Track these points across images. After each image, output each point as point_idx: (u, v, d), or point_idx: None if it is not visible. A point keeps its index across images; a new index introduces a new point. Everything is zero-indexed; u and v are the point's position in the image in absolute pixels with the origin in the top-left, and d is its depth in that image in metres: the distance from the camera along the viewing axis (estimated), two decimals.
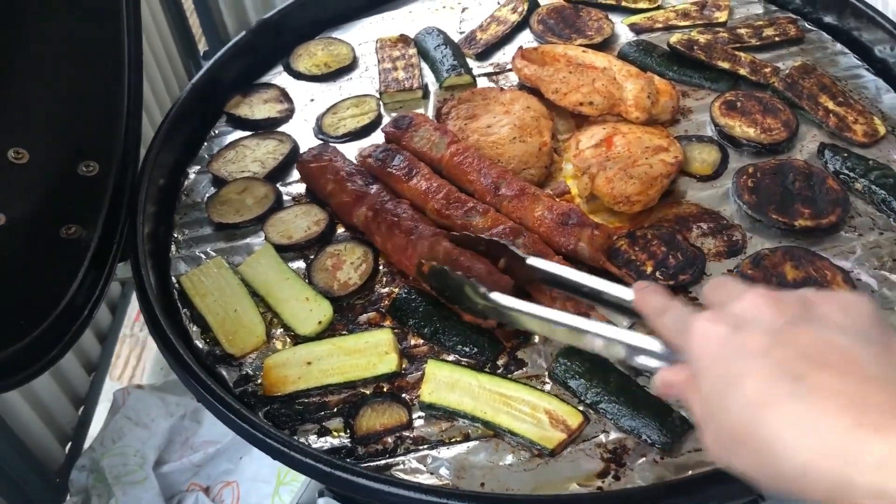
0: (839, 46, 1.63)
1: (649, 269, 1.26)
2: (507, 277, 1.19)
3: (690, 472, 1.06)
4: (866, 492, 0.57)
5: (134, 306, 3.70)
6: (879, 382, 0.61)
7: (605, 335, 0.88)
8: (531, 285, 1.20)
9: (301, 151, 1.52)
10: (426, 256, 1.24)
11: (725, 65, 1.56)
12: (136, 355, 3.72)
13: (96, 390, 2.78)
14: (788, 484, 0.62)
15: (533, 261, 1.11)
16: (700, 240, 1.31)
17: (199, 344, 1.27)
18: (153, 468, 2.51)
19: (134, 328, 3.78)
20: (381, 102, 1.62)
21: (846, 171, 1.36)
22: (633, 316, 0.92)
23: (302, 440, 1.14)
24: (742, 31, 1.66)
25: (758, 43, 1.63)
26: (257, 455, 2.63)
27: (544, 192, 1.36)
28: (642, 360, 0.86)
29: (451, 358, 1.21)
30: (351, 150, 1.53)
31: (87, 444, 2.60)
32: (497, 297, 1.04)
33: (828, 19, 1.68)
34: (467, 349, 1.21)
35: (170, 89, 3.04)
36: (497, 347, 1.21)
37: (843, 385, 0.61)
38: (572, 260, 1.26)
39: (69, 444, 2.60)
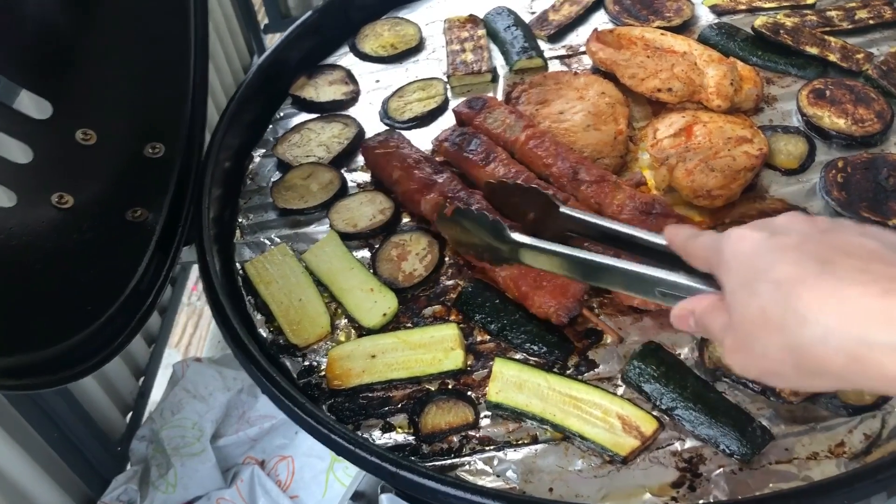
0: None
1: None
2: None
3: (771, 485, 1.00)
4: (887, 347, 0.59)
5: (192, 277, 3.76)
6: None
7: (629, 269, 0.89)
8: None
9: (366, 136, 1.49)
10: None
11: (814, 50, 1.47)
12: (192, 324, 3.79)
13: (156, 361, 2.83)
14: (807, 358, 0.64)
15: (567, 209, 1.07)
16: None
17: (263, 333, 1.25)
18: (210, 441, 2.55)
19: (191, 297, 3.85)
20: (448, 86, 1.57)
21: None
22: (668, 261, 0.90)
23: (366, 435, 1.12)
24: (832, 13, 1.56)
25: (849, 26, 1.53)
26: None
27: (625, 181, 1.31)
28: (663, 292, 0.86)
29: (518, 356, 1.18)
30: (417, 136, 1.50)
31: (146, 415, 2.66)
32: (518, 236, 1.02)
33: None
34: (536, 348, 1.17)
35: (231, 63, 3.04)
36: (567, 347, 1.17)
37: (870, 268, 0.64)
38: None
39: (130, 413, 2.66)
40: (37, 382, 1.08)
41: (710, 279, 0.81)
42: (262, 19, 3.39)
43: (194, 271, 3.35)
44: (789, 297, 0.65)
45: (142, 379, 2.76)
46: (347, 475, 2.44)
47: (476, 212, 1.10)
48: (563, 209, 1.06)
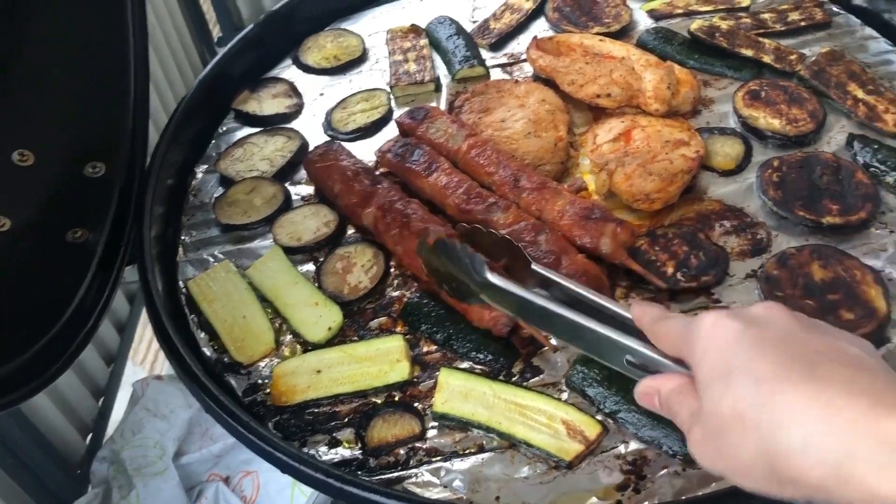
0: (868, 31, 1.56)
1: (670, 270, 1.21)
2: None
3: (714, 485, 1.02)
4: (875, 464, 0.56)
5: None
6: (892, 383, 0.61)
7: (604, 332, 0.86)
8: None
9: (308, 150, 1.48)
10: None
11: (749, 52, 1.50)
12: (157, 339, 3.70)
13: (116, 381, 2.79)
14: (782, 466, 0.61)
15: (537, 267, 1.06)
16: (723, 238, 1.26)
17: (207, 351, 1.24)
18: (173, 459, 2.52)
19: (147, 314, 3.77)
20: (391, 96, 1.57)
21: (876, 164, 1.30)
22: (633, 334, 0.87)
23: (312, 452, 1.11)
24: (766, 15, 1.59)
25: (782, 28, 1.56)
26: None
27: (566, 187, 1.32)
28: (630, 362, 0.84)
29: (464, 365, 1.18)
30: (361, 147, 1.50)
31: (107, 435, 2.62)
32: (495, 278, 1.00)
33: (857, 1, 1.61)
34: (481, 356, 1.18)
35: (184, 76, 3.02)
36: (512, 354, 1.18)
37: (857, 377, 0.61)
38: (593, 257, 1.22)
39: (90, 435, 2.61)
40: None
41: (679, 361, 0.79)
42: (219, 33, 3.37)
43: None
44: (769, 397, 0.62)
45: (101, 399, 2.72)
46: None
47: (458, 246, 1.08)
48: (534, 266, 1.05)
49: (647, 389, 0.79)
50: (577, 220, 1.23)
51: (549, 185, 1.28)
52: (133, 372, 2.81)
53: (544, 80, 1.51)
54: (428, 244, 1.15)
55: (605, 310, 0.93)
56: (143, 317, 3.11)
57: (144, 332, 3.67)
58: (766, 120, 1.39)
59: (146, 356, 3.61)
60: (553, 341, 1.18)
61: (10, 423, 2.11)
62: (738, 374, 0.65)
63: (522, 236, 1.21)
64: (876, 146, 1.32)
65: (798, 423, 0.60)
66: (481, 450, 1.08)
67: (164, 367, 3.08)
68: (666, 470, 1.04)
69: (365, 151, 1.47)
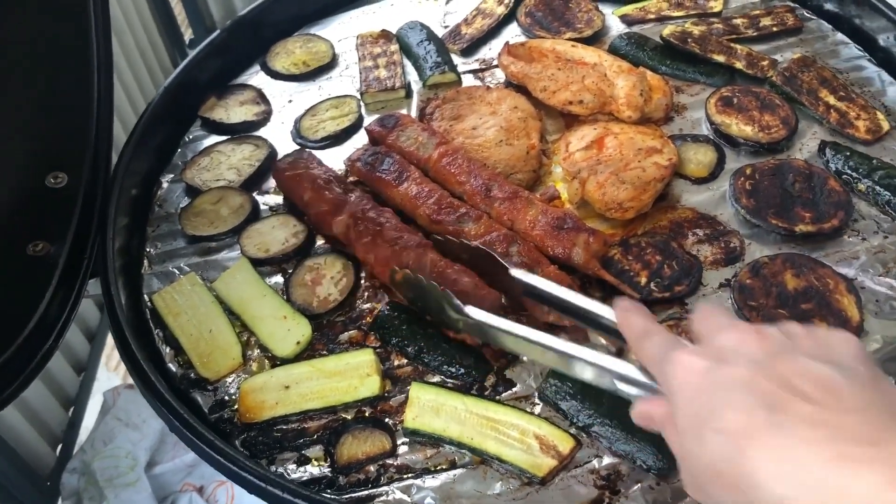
0: (840, 36, 1.55)
1: (643, 280, 1.20)
2: (495, 292, 1.14)
3: (688, 499, 1.01)
4: None
5: None
6: (859, 414, 0.61)
7: (589, 360, 0.86)
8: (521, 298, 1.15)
9: (277, 158, 1.45)
10: (412, 268, 1.18)
11: (721, 58, 1.49)
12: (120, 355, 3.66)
13: (86, 390, 2.74)
14: None
15: (516, 272, 1.05)
16: (696, 247, 1.25)
17: (173, 367, 1.21)
18: (145, 469, 2.48)
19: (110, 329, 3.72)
20: (362, 103, 1.55)
21: (848, 171, 1.30)
22: (617, 336, 0.87)
23: (280, 470, 1.08)
24: (738, 21, 1.59)
25: (754, 34, 1.56)
26: None
27: (538, 195, 1.30)
28: (625, 388, 0.83)
29: (436, 379, 1.16)
30: (331, 155, 1.47)
31: (77, 446, 2.57)
32: (472, 311, 1.00)
33: (828, 6, 1.61)
34: (453, 370, 1.16)
35: (155, 79, 2.97)
36: (485, 367, 1.16)
37: (823, 416, 0.61)
38: (566, 268, 1.21)
39: (59, 446, 2.56)
40: None
41: None
42: (190, 35, 3.32)
43: None
44: (739, 454, 0.62)
45: (71, 409, 2.67)
46: None
47: (426, 283, 1.07)
48: (513, 272, 1.05)
49: (642, 414, 0.80)
50: (548, 231, 1.21)
51: (520, 195, 1.27)
52: (107, 378, 2.76)
53: (516, 86, 1.49)
54: (397, 279, 1.14)
55: (588, 313, 0.92)
56: None
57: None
58: (739, 127, 1.38)
59: (120, 364, 3.55)
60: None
61: None
62: (709, 430, 0.65)
63: (494, 247, 1.19)
64: (848, 153, 1.32)
65: (772, 484, 0.60)
66: (453, 466, 1.07)
67: None
68: (640, 484, 1.03)
69: (335, 159, 1.45)
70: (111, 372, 2.83)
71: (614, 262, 1.22)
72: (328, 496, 1.03)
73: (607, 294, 1.20)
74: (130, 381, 2.80)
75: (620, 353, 0.98)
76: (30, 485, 2.31)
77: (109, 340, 2.96)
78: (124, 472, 2.47)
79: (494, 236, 1.20)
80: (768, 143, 1.36)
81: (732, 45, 1.52)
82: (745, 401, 0.64)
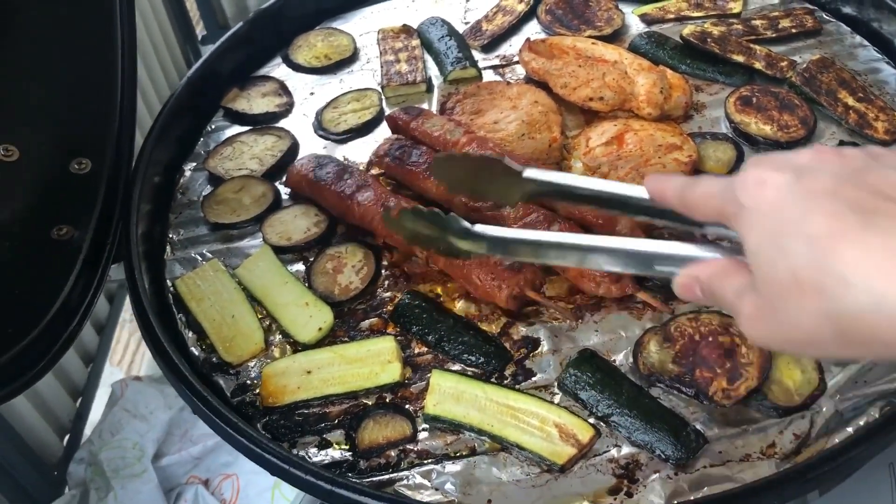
0: (858, 39, 1.57)
1: None
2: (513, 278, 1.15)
3: (706, 489, 1.01)
4: None
5: None
6: None
7: (615, 247, 0.82)
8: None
9: (296, 159, 1.47)
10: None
11: (740, 58, 1.50)
12: (135, 339, 3.69)
13: (94, 381, 2.76)
14: (853, 327, 0.57)
15: (530, 172, 1.00)
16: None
17: (195, 351, 1.22)
18: (152, 461, 2.49)
19: (132, 314, 3.74)
20: (383, 97, 1.56)
21: None
22: (653, 215, 0.84)
23: (302, 453, 1.10)
24: (757, 22, 1.60)
25: (773, 35, 1.57)
26: None
27: None
28: (661, 268, 0.80)
29: (456, 367, 1.17)
30: (352, 148, 1.49)
31: (85, 436, 2.59)
32: (481, 228, 0.97)
33: (846, 10, 1.62)
34: (473, 358, 1.17)
35: (167, 75, 2.99)
36: (504, 357, 1.17)
37: None
38: None
39: (67, 436, 2.58)
40: None
41: (713, 244, 0.74)
42: (201, 30, 3.35)
43: None
44: (827, 256, 0.57)
45: (79, 400, 2.68)
46: (293, 491, 2.40)
47: (427, 211, 1.03)
48: (526, 173, 0.99)
49: (686, 280, 0.74)
50: None
51: None
52: (111, 373, 2.77)
53: (536, 82, 1.51)
54: (393, 217, 1.10)
55: (619, 197, 0.88)
56: (122, 317, 3.08)
57: (122, 332, 3.63)
58: (758, 126, 1.39)
59: (123, 357, 3.57)
60: (545, 344, 1.18)
61: None
62: (792, 235, 0.60)
63: (536, 228, 1.20)
64: None
65: (865, 281, 0.55)
66: (473, 452, 1.08)
67: (143, 368, 3.04)
68: (658, 474, 1.04)
69: (356, 152, 1.46)
70: (115, 367, 2.85)
71: None
72: (350, 479, 1.04)
73: (637, 279, 1.20)
74: (135, 374, 2.81)
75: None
76: (37, 474, 2.33)
77: (117, 334, 2.98)
78: (131, 463, 2.48)
79: (534, 217, 1.21)
80: (787, 142, 1.37)
81: (752, 45, 1.53)
82: (834, 206, 0.59)
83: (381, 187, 1.32)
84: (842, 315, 0.57)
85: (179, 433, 2.64)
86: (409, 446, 1.09)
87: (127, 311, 3.54)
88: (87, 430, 2.56)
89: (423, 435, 1.10)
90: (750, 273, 0.66)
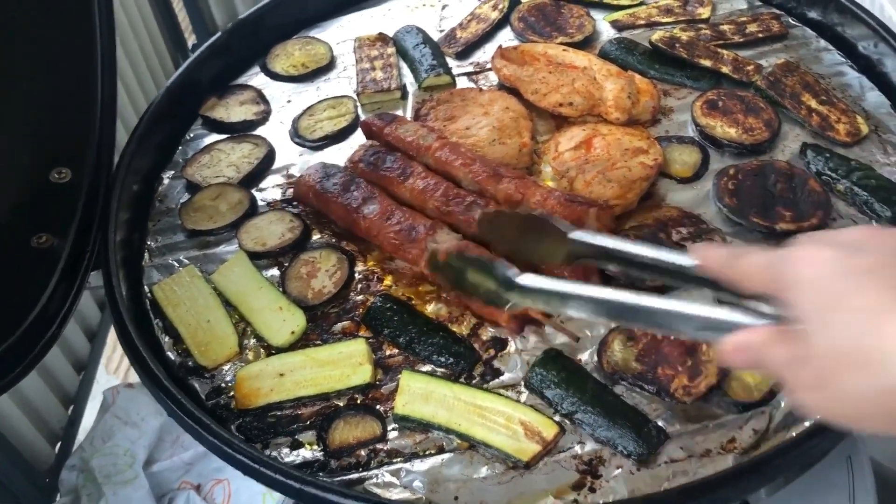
0: (823, 43, 1.60)
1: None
2: None
3: (666, 484, 1.04)
4: None
5: None
6: None
7: (670, 309, 0.81)
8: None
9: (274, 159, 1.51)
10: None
11: (707, 63, 1.54)
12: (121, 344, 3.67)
13: (86, 389, 2.77)
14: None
15: (576, 234, 1.00)
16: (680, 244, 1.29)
17: (171, 355, 1.25)
18: (143, 467, 2.50)
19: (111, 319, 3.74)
20: (358, 104, 1.59)
21: (828, 172, 1.34)
22: (693, 283, 0.85)
23: (274, 454, 1.12)
24: (725, 27, 1.63)
25: (741, 40, 1.60)
26: None
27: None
28: (708, 336, 0.81)
29: (426, 368, 1.19)
30: (328, 155, 1.52)
31: (77, 444, 2.59)
32: (527, 279, 0.97)
33: (812, 15, 1.65)
34: (443, 359, 1.19)
35: (157, 83, 3.01)
36: (473, 357, 1.20)
37: None
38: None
39: (59, 443, 2.59)
40: None
41: (759, 313, 0.75)
42: (192, 40, 3.37)
43: None
44: (873, 332, 0.59)
45: (71, 407, 2.69)
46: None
47: (475, 256, 1.06)
48: (571, 235, 1.01)
49: (737, 346, 0.73)
50: (563, 202, 1.25)
51: (527, 177, 1.32)
52: (106, 380, 2.79)
53: (509, 88, 1.54)
54: (441, 260, 1.14)
55: (660, 263, 0.89)
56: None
57: (116, 340, 3.61)
58: (723, 129, 1.42)
59: (120, 364, 3.57)
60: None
61: None
62: (840, 309, 0.62)
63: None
64: (828, 155, 1.36)
65: None
66: (441, 451, 1.10)
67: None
68: (620, 469, 1.06)
69: (332, 159, 1.49)
70: (110, 375, 2.86)
71: None
72: (319, 478, 1.06)
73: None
74: (130, 381, 2.83)
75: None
76: (28, 482, 2.33)
77: (110, 341, 2.99)
78: (122, 470, 2.49)
79: None
80: (752, 145, 1.40)
81: (719, 50, 1.56)
82: (880, 283, 0.61)
83: (386, 200, 1.34)
84: (883, 395, 0.59)
85: (171, 439, 2.65)
86: (379, 446, 1.12)
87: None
88: (80, 437, 2.58)
89: (392, 434, 1.13)
90: (798, 342, 0.67)
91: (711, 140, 1.42)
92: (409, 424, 1.13)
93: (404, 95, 1.61)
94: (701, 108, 1.46)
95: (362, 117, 1.56)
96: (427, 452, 1.10)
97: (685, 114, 1.49)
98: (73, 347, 2.72)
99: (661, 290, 1.08)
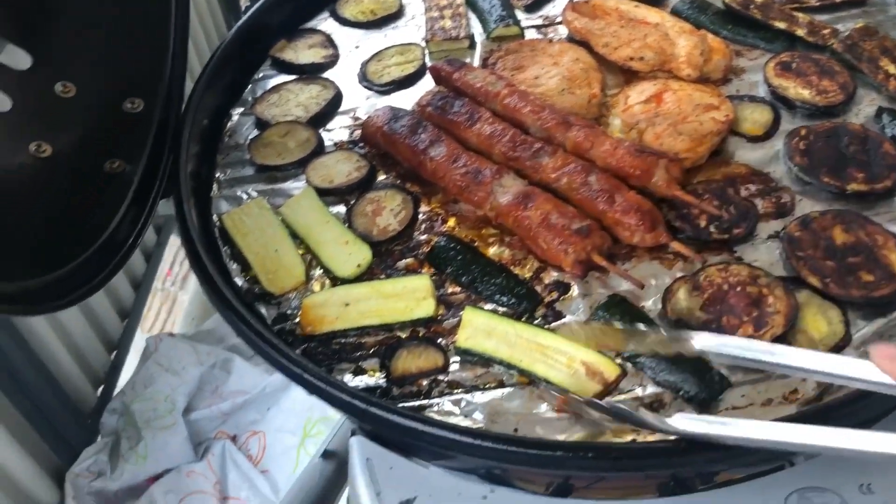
0: None
1: (703, 223, 1.23)
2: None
3: None
4: None
5: (167, 260, 3.74)
6: None
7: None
8: None
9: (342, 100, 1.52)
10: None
11: (782, 25, 1.52)
12: (166, 309, 3.76)
13: (128, 337, 2.83)
14: None
15: (700, 340, 1.00)
16: None
17: (239, 282, 1.27)
18: (182, 414, 2.55)
19: (165, 283, 3.83)
20: (426, 51, 1.60)
21: None
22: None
23: (338, 378, 1.14)
24: None
25: (817, 4, 1.58)
26: (285, 407, 2.67)
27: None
28: None
29: (488, 307, 1.20)
30: (395, 99, 1.53)
31: (118, 389, 2.65)
32: (679, 424, 0.96)
33: None
34: (505, 299, 1.20)
35: (217, 27, 3.06)
36: (535, 299, 1.20)
37: None
38: (643, 193, 1.25)
39: (101, 387, 2.65)
40: (14, 309, 1.11)
41: None
42: (247, 2, 3.40)
43: (168, 254, 3.33)
44: None
45: (114, 353, 2.75)
46: (318, 450, 2.44)
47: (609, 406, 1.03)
48: (695, 342, 1.00)
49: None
50: (632, 151, 1.25)
51: (597, 126, 1.32)
52: (143, 338, 2.83)
53: (578, 42, 1.54)
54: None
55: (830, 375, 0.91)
56: (154, 286, 3.15)
57: (153, 300, 3.69)
58: (796, 90, 1.41)
59: (154, 324, 3.64)
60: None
61: (29, 369, 2.15)
62: None
63: (574, 178, 1.24)
64: None
65: None
66: (501, 385, 1.11)
67: (176, 331, 3.09)
68: (681, 413, 1.06)
69: (398, 103, 1.49)
70: (145, 333, 2.91)
71: (675, 206, 1.26)
72: (383, 402, 1.08)
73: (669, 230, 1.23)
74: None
75: None
76: (73, 420, 2.40)
77: (149, 301, 3.03)
78: (162, 415, 2.54)
79: (572, 167, 1.25)
80: (825, 107, 1.38)
81: (794, 13, 1.54)
82: None
83: (453, 143, 1.35)
84: None
85: (210, 389, 2.70)
86: (441, 376, 1.13)
87: (159, 281, 3.61)
88: (121, 383, 2.63)
89: (454, 367, 1.14)
90: None
91: (783, 100, 1.41)
92: (470, 358, 1.14)
93: (472, 45, 1.61)
94: (774, 68, 1.44)
95: (429, 65, 1.57)
96: (487, 385, 1.11)
97: (756, 74, 1.47)
98: (118, 295, 2.78)
99: None
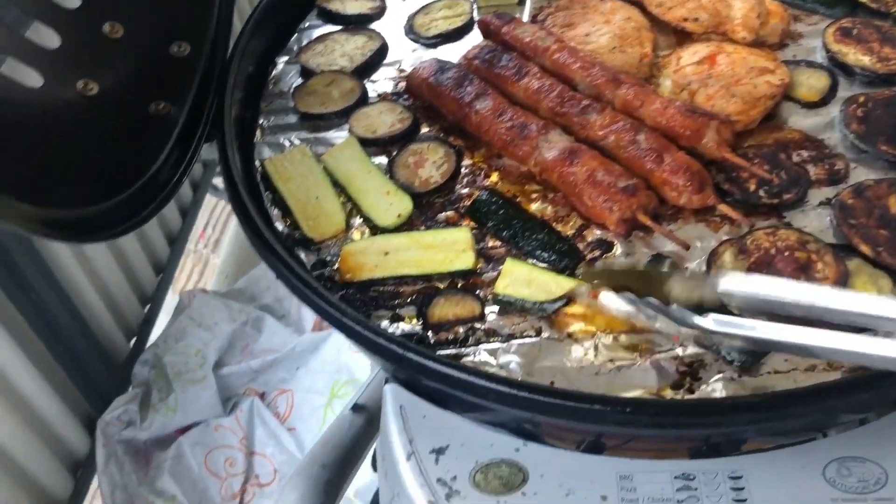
0: None
1: (752, 187, 1.21)
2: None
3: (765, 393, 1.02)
4: None
5: (201, 220, 3.78)
6: None
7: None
8: None
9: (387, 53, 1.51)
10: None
11: None
12: (198, 271, 3.81)
13: (162, 292, 2.87)
14: None
15: (724, 284, 0.98)
16: None
17: (280, 226, 1.27)
18: (213, 369, 2.58)
19: (198, 245, 3.87)
20: (475, 6, 1.58)
21: None
22: None
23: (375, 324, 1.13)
24: None
25: None
26: (313, 368, 2.69)
27: None
28: None
29: (529, 262, 1.19)
30: (441, 53, 1.51)
31: (150, 342, 2.69)
32: (706, 323, 0.97)
33: None
34: (546, 255, 1.19)
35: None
36: (577, 256, 1.18)
37: None
38: (692, 154, 1.22)
39: (134, 339, 2.69)
40: (62, 235, 1.15)
41: None
42: None
43: (201, 215, 3.36)
44: None
45: (147, 307, 2.79)
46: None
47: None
48: (721, 287, 0.99)
49: None
50: (683, 110, 1.23)
51: (647, 85, 1.29)
52: (175, 298, 2.86)
53: (630, 0, 1.50)
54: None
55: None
56: (188, 248, 3.18)
57: (186, 261, 3.74)
58: (856, 56, 1.36)
59: (185, 285, 3.69)
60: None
61: (65, 315, 2.18)
62: None
63: (621, 136, 1.21)
64: None
65: None
66: (538, 333, 1.10)
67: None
68: (721, 374, 1.04)
69: (445, 57, 1.47)
70: (177, 294, 2.94)
71: (724, 168, 1.23)
72: (420, 348, 1.07)
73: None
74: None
75: None
76: (105, 369, 2.44)
77: (182, 262, 3.06)
78: (193, 369, 2.58)
79: (620, 125, 1.22)
80: (886, 75, 1.34)
81: None
82: None
83: (499, 97, 1.33)
84: None
85: (241, 346, 2.74)
86: (477, 325, 1.12)
87: (192, 242, 3.65)
88: (153, 338, 2.67)
89: (491, 316, 1.13)
90: None
91: (842, 67, 1.37)
92: (508, 307, 1.13)
93: (522, 1, 1.58)
94: (834, 34, 1.40)
95: (477, 19, 1.55)
96: (525, 334, 1.10)
97: (814, 40, 1.43)
98: (153, 248, 2.81)
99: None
